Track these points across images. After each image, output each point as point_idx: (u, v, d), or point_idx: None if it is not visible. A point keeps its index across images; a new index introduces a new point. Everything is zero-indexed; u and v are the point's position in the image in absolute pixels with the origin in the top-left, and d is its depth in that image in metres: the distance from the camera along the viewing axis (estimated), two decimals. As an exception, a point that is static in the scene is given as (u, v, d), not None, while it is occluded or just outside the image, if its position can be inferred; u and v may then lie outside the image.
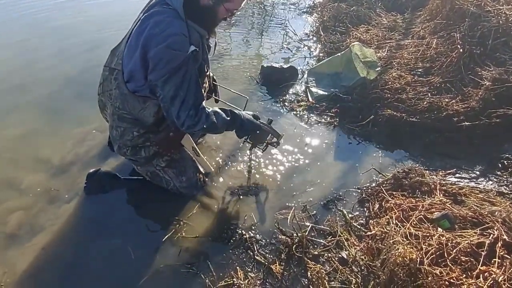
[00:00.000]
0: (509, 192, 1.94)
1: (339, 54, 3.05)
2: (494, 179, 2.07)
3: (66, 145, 2.41)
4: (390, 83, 2.75)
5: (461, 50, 2.76)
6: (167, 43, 1.54)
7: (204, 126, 1.70)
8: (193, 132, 1.76)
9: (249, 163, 2.28)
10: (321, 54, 3.61)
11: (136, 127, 1.79)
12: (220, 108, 1.81)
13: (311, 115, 2.74)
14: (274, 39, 4.06)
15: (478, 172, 2.14)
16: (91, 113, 2.62)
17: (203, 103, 1.73)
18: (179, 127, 1.69)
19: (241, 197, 2.04)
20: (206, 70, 1.91)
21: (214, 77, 2.22)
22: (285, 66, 3.15)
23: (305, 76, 3.18)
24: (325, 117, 2.70)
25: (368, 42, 3.40)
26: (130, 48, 1.68)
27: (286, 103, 2.88)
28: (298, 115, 2.74)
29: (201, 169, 2.10)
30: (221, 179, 2.17)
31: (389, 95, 2.66)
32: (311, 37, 4.05)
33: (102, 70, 1.86)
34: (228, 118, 1.81)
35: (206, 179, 2.12)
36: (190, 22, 1.64)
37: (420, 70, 2.87)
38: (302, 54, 3.67)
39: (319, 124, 2.64)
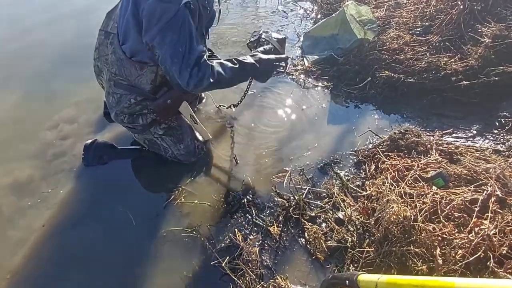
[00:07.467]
0: (505, 150, 1.95)
1: (333, 15, 2.95)
2: (491, 138, 2.07)
3: (60, 118, 2.40)
4: (388, 43, 2.68)
5: (461, 7, 2.66)
6: None
7: (211, 81, 1.55)
8: (202, 90, 1.62)
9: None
10: (318, 16, 3.50)
11: (133, 94, 1.76)
12: (224, 60, 1.69)
13: (308, 79, 2.70)
14: (269, 1, 3.92)
15: (475, 131, 2.13)
16: (83, 85, 2.59)
17: (205, 56, 1.61)
18: (185, 88, 1.57)
19: (238, 162, 2.05)
20: (204, 34, 1.85)
21: None
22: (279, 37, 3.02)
23: (301, 39, 3.10)
24: (322, 80, 2.66)
25: (365, 1, 3.28)
26: (122, 7, 1.62)
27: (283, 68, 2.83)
28: (294, 79, 2.70)
29: (199, 137, 2.11)
30: (218, 146, 2.18)
31: (386, 56, 2.60)
32: (307, -2, 3.91)
33: (98, 34, 1.81)
34: (236, 66, 1.66)
35: (204, 146, 2.13)
36: None
37: (419, 29, 2.79)
38: (298, 17, 3.56)
39: (316, 88, 2.61)
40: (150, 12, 1.49)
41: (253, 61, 1.71)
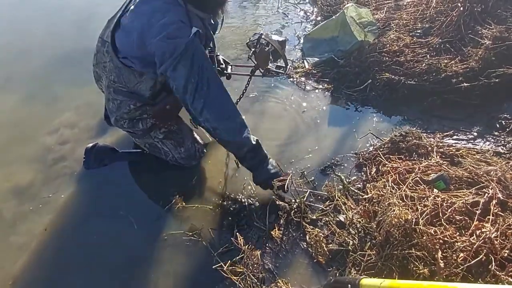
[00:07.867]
0: (506, 152, 1.94)
1: (333, 17, 2.96)
2: (492, 140, 2.07)
3: (61, 122, 2.41)
4: (388, 45, 2.68)
5: (461, 8, 2.67)
6: (165, 34, 1.49)
7: (229, 126, 1.61)
8: (210, 131, 1.64)
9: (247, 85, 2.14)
10: (318, 18, 3.51)
11: (132, 100, 1.77)
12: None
13: (308, 81, 2.70)
14: (269, 3, 3.92)
15: (475, 133, 2.13)
16: (84, 88, 2.59)
17: (231, 100, 1.64)
18: (198, 118, 1.60)
19: (239, 165, 2.04)
20: (209, 46, 1.88)
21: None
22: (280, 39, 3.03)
23: (301, 42, 3.11)
24: (322, 83, 2.66)
25: (366, 3, 3.29)
26: (125, 29, 1.64)
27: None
28: (295, 81, 2.70)
29: (199, 140, 2.11)
30: (219, 149, 2.17)
31: (387, 58, 2.60)
32: (307, 0, 3.91)
33: (97, 41, 1.82)
34: (254, 143, 1.69)
35: (204, 149, 2.13)
36: (190, 6, 1.58)
37: (419, 31, 2.79)
38: (299, 19, 3.56)
39: (317, 90, 2.61)
40: (161, 51, 1.52)
41: (267, 157, 1.78)
